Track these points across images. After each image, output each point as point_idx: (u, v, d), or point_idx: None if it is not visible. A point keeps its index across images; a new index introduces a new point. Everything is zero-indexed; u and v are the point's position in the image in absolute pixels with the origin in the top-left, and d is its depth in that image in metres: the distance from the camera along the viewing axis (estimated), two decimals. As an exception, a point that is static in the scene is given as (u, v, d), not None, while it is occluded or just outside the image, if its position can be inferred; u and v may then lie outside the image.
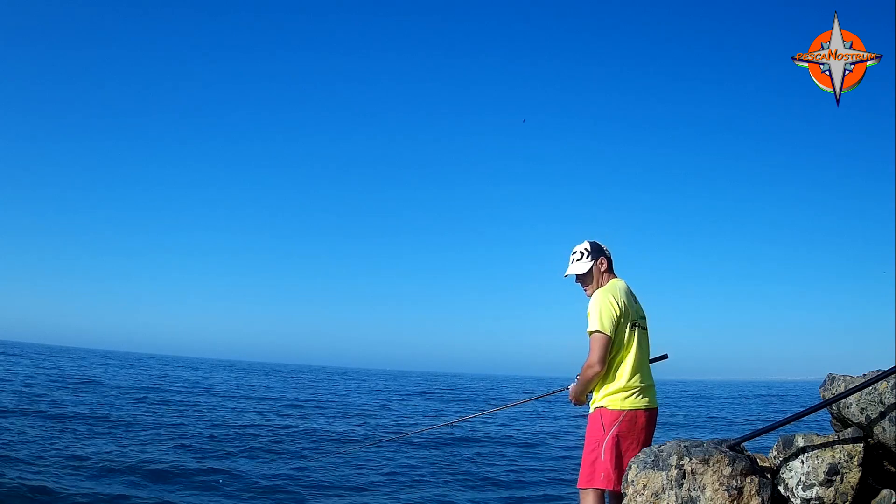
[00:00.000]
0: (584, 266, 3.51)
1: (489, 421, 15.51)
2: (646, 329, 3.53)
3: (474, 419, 14.50)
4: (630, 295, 3.48)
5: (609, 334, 3.29)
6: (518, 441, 12.95)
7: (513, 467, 10.05)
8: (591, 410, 3.45)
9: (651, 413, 3.44)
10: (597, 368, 3.30)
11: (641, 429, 3.39)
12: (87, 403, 14.65)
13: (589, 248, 3.55)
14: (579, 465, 3.42)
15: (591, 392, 3.47)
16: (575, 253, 3.56)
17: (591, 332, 3.33)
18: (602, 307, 3.33)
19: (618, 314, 3.33)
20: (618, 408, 3.33)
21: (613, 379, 3.35)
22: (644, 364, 3.45)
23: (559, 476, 9.36)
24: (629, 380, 3.33)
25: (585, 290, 3.57)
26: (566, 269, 3.56)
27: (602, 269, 3.53)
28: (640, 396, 3.37)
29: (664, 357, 3.93)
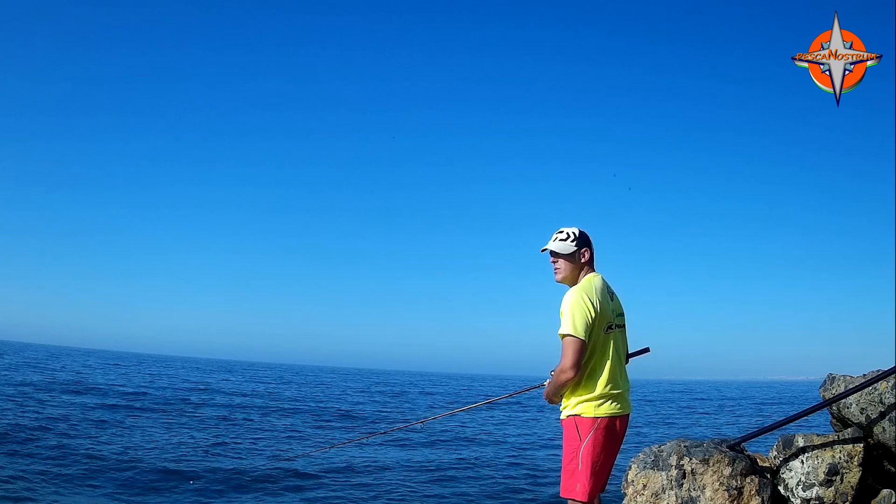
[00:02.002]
0: (569, 247, 3.32)
1: (469, 421, 15.44)
2: (623, 326, 3.36)
3: (442, 419, 14.15)
4: (607, 293, 3.30)
5: (583, 338, 3.09)
6: (503, 443, 12.93)
7: (492, 470, 9.95)
8: (565, 417, 3.31)
9: (625, 419, 3.27)
10: (570, 374, 3.10)
11: (617, 436, 3.21)
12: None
13: (577, 234, 3.40)
14: (559, 471, 3.32)
15: (563, 395, 3.35)
16: (562, 232, 3.36)
17: (564, 336, 3.13)
18: (576, 309, 3.12)
19: (593, 317, 3.13)
20: (593, 415, 3.14)
21: (588, 385, 3.17)
22: (620, 368, 3.28)
23: (539, 480, 9.25)
24: (605, 386, 3.15)
25: (556, 271, 3.34)
26: (546, 244, 3.37)
27: (583, 260, 3.31)
28: (615, 402, 3.18)
29: (646, 350, 3.76)
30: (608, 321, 3.25)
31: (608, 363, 3.22)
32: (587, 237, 3.41)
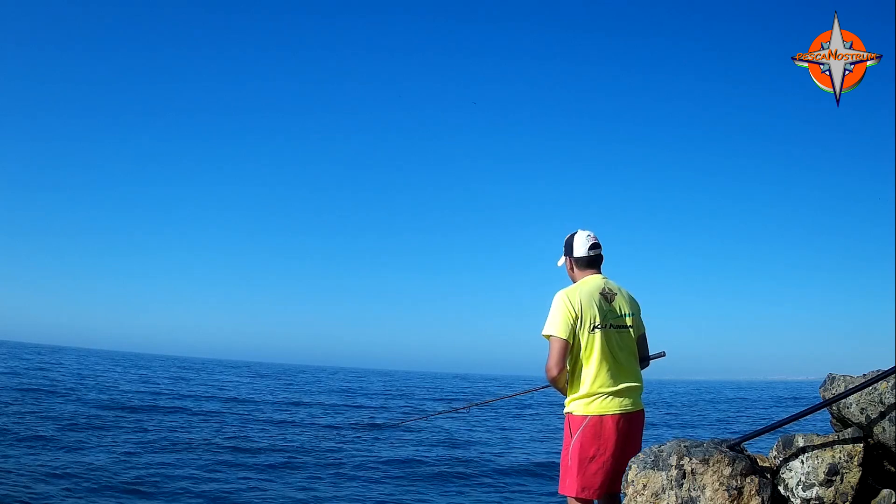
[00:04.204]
0: (560, 260, 3.60)
1: (475, 421, 15.42)
2: (625, 327, 3.40)
3: (444, 419, 14.47)
4: (601, 293, 3.36)
5: (563, 338, 3.22)
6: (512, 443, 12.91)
7: (497, 468, 9.95)
8: (564, 415, 3.40)
9: (625, 417, 3.29)
10: (553, 372, 3.23)
11: (611, 434, 3.24)
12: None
13: (564, 244, 3.56)
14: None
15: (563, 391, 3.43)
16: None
17: (545, 336, 3.28)
18: (555, 310, 3.28)
19: (573, 317, 3.23)
20: (582, 413, 3.24)
21: (577, 384, 3.28)
22: (615, 366, 3.30)
23: (540, 477, 9.25)
24: (592, 385, 3.23)
25: None
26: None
27: (567, 267, 3.54)
28: (608, 401, 3.24)
29: (661, 355, 3.83)
30: (594, 321, 3.28)
31: (598, 362, 3.26)
32: (570, 243, 3.53)
